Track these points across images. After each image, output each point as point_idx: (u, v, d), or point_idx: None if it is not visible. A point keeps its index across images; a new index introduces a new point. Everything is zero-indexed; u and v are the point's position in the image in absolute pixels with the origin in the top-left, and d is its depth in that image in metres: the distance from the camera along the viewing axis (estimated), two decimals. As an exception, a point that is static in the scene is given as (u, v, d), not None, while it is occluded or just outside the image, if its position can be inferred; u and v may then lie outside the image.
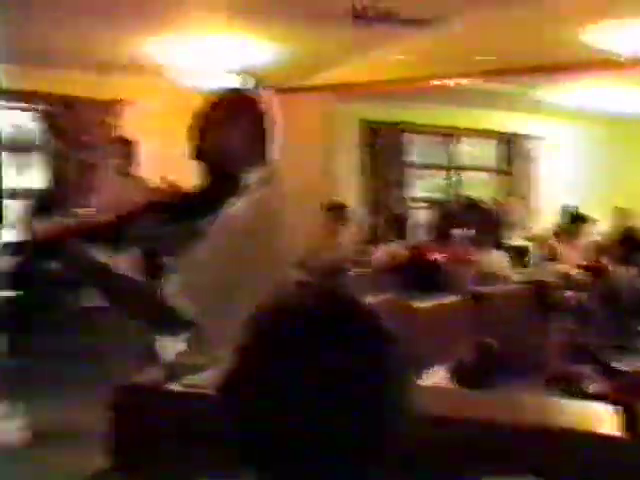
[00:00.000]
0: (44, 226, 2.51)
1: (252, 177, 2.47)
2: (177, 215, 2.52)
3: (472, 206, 9.65)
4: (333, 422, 0.95)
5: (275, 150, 2.57)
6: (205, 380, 2.10)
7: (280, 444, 0.96)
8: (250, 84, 7.69)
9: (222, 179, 2.49)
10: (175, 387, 2.17)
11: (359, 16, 7.17)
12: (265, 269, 2.33)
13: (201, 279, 2.32)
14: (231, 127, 2.50)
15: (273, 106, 2.60)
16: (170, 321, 2.31)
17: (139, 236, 2.54)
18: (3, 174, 9.63)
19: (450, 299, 5.95)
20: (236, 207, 2.37)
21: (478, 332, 4.79)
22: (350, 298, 1.06)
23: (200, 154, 2.51)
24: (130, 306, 2.43)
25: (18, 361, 6.97)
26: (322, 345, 0.97)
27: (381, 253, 8.40)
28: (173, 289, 2.29)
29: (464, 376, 4.11)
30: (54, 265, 2.47)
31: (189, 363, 2.47)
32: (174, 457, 2.11)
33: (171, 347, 2.58)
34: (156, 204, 2.58)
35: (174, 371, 2.42)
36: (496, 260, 7.41)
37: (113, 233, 2.47)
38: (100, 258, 2.38)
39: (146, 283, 2.46)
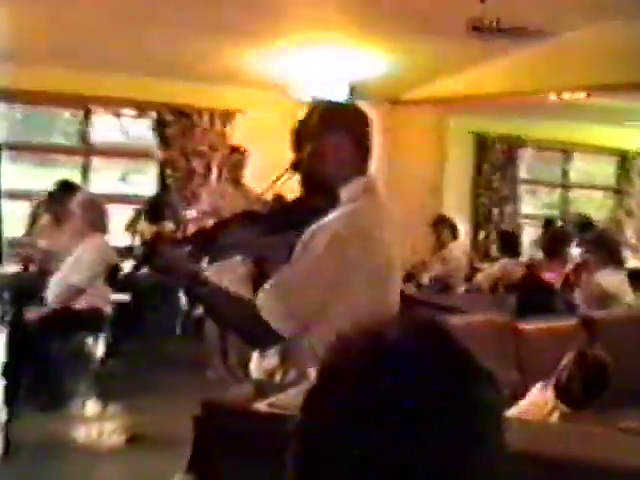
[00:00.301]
0: (143, 231, 2.47)
1: (349, 189, 2.40)
2: (273, 226, 2.47)
3: (586, 225, 9.30)
4: (415, 456, 0.87)
5: (373, 163, 2.49)
6: (290, 401, 1.98)
7: (354, 475, 0.88)
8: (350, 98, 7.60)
9: (318, 190, 2.44)
10: (261, 407, 2.03)
11: (478, 28, 7.02)
12: (360, 284, 2.27)
13: (294, 293, 2.27)
14: (325, 138, 2.43)
15: (371, 118, 2.52)
16: (262, 334, 2.28)
17: (234, 245, 2.47)
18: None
19: (560, 322, 5.72)
20: (329, 219, 2.31)
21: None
22: (442, 331, 0.97)
23: (296, 165, 2.48)
24: (222, 316, 2.43)
25: (117, 364, 7.07)
26: (407, 376, 0.90)
27: (493, 270, 8.19)
28: (266, 301, 2.25)
29: (566, 393, 3.86)
30: (147, 271, 2.44)
31: (278, 381, 2.40)
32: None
33: (261, 362, 2.49)
34: (252, 214, 2.54)
35: (263, 389, 2.31)
36: (613, 282, 7.07)
37: (208, 241, 2.41)
38: (196, 267, 2.35)
39: (239, 294, 2.40)
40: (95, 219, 6.18)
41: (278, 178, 2.65)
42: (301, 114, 2.52)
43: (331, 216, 2.32)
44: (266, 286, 2.28)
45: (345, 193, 2.39)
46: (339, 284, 2.26)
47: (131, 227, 8.60)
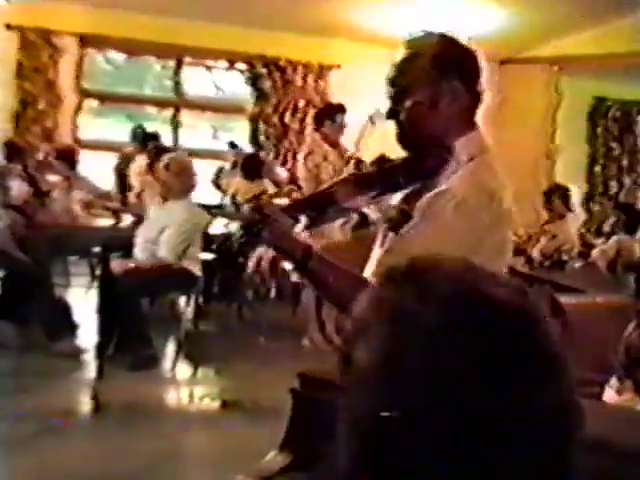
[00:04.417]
0: (238, 189, 2.16)
1: (464, 145, 2.12)
2: (387, 188, 2.20)
3: None
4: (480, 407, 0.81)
5: (480, 114, 2.19)
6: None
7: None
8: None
9: (424, 145, 2.16)
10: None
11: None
12: (487, 255, 2.02)
13: None
14: (440, 85, 2.12)
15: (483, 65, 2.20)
16: None
17: (346, 210, 2.37)
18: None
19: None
20: (452, 184, 2.05)
21: None
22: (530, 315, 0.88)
23: (395, 114, 2.16)
24: (338, 296, 2.11)
25: (209, 326, 6.94)
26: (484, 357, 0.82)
27: (608, 247, 7.65)
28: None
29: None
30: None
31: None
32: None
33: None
34: (367, 177, 2.23)
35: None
36: None
37: (318, 209, 2.18)
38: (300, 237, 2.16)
39: (354, 271, 2.16)
40: (180, 184, 5.89)
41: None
42: (403, 52, 2.17)
43: (453, 179, 2.06)
44: (384, 260, 2.07)
45: (461, 149, 2.11)
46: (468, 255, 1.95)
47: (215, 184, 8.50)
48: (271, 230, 2.05)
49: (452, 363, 0.81)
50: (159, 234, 5.80)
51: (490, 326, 0.83)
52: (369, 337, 0.87)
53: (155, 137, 8.28)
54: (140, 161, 7.53)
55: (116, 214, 7.73)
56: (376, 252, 2.24)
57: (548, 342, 0.86)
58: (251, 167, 8.04)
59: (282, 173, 8.68)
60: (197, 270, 5.98)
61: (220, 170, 8.86)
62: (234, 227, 6.28)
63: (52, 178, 7.16)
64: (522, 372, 0.83)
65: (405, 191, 2.17)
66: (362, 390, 0.87)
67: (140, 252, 5.91)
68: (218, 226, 7.20)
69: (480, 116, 2.17)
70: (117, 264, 5.88)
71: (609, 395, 3.51)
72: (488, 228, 2.05)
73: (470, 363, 0.81)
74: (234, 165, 8.50)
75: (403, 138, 2.18)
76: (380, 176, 2.16)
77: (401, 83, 2.14)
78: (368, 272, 2.19)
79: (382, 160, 2.30)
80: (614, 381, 3.52)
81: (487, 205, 2.05)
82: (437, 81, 2.11)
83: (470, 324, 0.83)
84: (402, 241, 2.09)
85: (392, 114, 2.16)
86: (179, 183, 5.87)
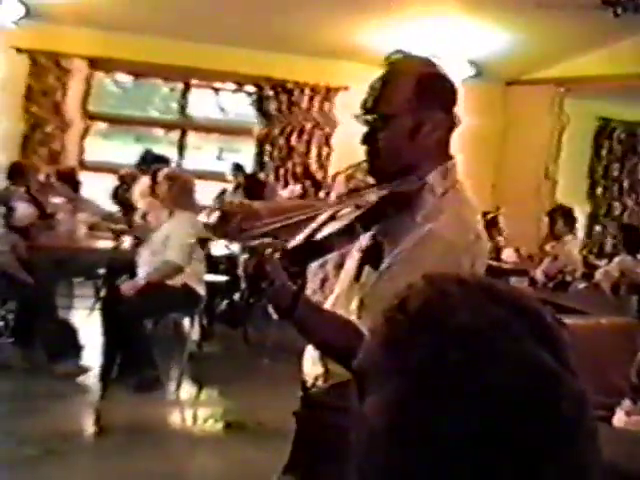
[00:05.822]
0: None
1: (440, 177, 2.06)
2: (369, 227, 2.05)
3: None
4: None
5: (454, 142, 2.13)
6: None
7: None
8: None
9: (398, 173, 2.06)
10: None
11: (609, 2, 6.49)
12: None
13: None
14: (423, 113, 2.04)
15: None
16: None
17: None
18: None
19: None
20: (438, 226, 1.97)
21: None
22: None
23: (368, 141, 2.09)
24: (324, 345, 2.09)
25: (214, 347, 6.92)
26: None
27: (611, 268, 7.62)
28: (368, 317, 1.93)
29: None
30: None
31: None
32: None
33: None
34: (354, 226, 2.06)
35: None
36: None
37: (311, 257, 2.07)
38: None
39: (342, 316, 2.05)
40: (181, 195, 5.93)
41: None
42: (384, 75, 2.11)
43: (439, 221, 1.98)
44: (371, 303, 1.97)
45: (436, 181, 2.05)
46: None
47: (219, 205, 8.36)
48: (268, 287, 1.97)
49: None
50: (166, 240, 5.79)
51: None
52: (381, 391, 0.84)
53: (165, 160, 8.29)
54: (144, 183, 7.52)
55: (119, 236, 7.72)
56: (345, 280, 2.18)
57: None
58: (253, 188, 8.04)
59: (284, 193, 8.67)
60: (201, 289, 5.96)
61: (222, 192, 8.84)
62: (236, 248, 6.25)
63: (56, 200, 7.15)
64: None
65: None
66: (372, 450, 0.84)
67: (143, 269, 5.88)
68: (221, 248, 7.20)
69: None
70: (127, 285, 5.81)
71: (619, 416, 3.49)
72: (470, 267, 2.00)
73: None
74: (237, 187, 8.49)
75: (377, 166, 2.11)
76: (369, 217, 2.03)
77: (382, 110, 2.06)
78: (338, 301, 2.15)
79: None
80: (627, 402, 3.50)
81: (474, 244, 2.03)
82: (419, 110, 2.04)
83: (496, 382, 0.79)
84: (389, 282, 1.98)
85: (368, 141, 2.09)
86: (179, 189, 5.90)
